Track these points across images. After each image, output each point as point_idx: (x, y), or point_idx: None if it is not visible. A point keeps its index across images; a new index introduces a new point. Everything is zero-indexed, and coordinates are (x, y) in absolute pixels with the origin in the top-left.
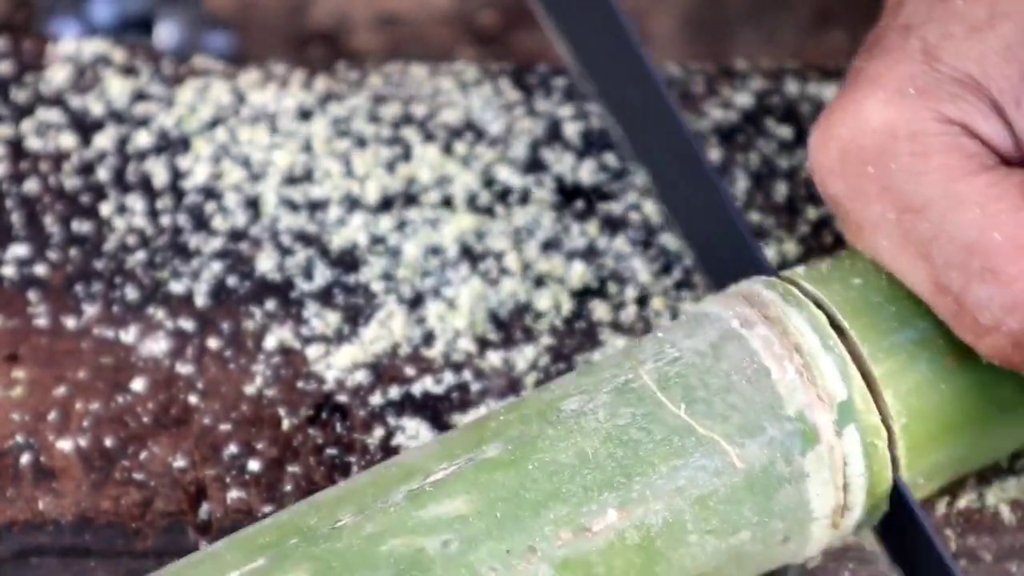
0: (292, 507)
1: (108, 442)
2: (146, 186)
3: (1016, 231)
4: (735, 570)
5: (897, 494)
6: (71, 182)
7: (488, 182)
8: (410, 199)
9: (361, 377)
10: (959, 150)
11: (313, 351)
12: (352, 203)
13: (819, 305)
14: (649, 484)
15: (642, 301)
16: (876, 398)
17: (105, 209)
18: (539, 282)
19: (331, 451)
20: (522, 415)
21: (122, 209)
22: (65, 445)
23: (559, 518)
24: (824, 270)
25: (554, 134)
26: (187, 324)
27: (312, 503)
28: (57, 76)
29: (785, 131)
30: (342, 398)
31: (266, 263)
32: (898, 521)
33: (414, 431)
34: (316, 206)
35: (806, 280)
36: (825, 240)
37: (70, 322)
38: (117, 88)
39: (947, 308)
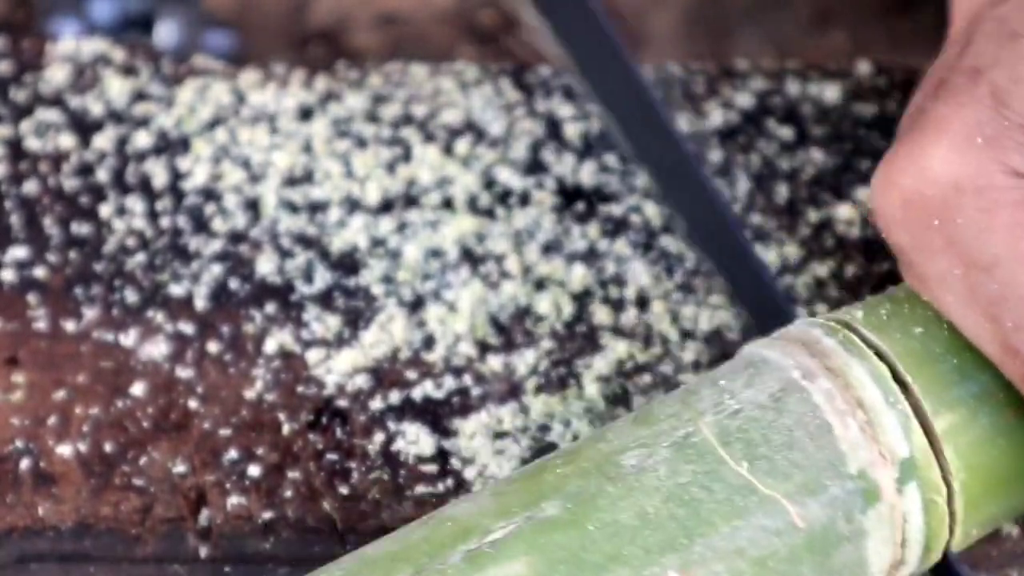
0: (343, 561)
1: (108, 447)
2: (146, 187)
3: None
4: None
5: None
6: (70, 183)
7: (488, 184)
8: (410, 201)
9: (361, 382)
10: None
11: (313, 355)
12: (352, 205)
13: (880, 355)
14: (710, 545)
15: (643, 304)
16: (936, 454)
17: (105, 211)
18: (540, 285)
19: (331, 456)
20: (580, 468)
21: (122, 211)
22: (65, 450)
23: None
24: (884, 316)
25: (554, 135)
26: (187, 327)
27: (364, 559)
28: (56, 76)
29: (786, 132)
30: (342, 403)
31: (266, 266)
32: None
33: (414, 436)
34: (316, 208)
35: (865, 327)
36: (826, 243)
37: (70, 325)
38: (117, 88)
39: (1016, 371)
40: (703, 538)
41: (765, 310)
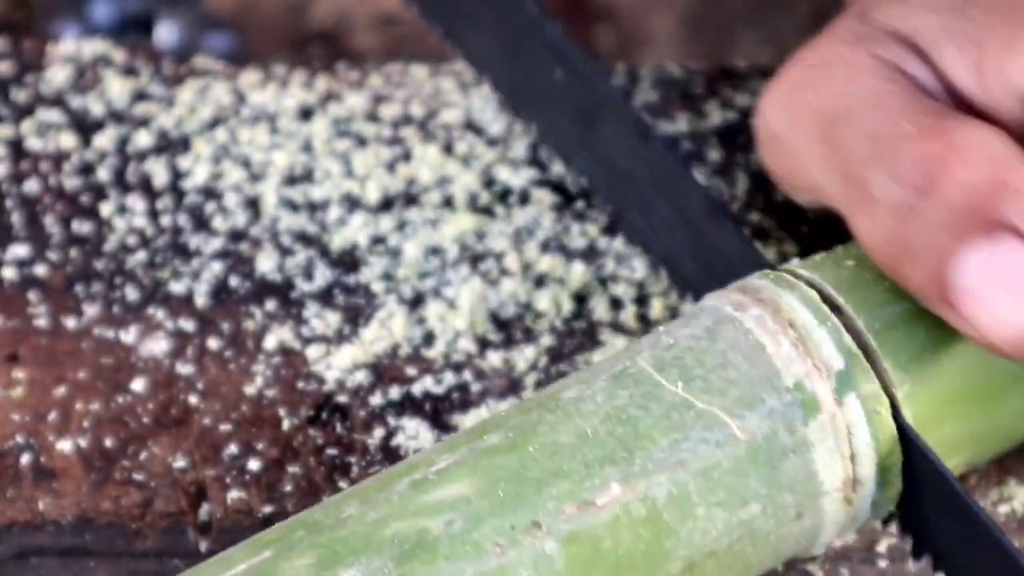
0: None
1: (108, 442)
2: (146, 186)
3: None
4: (750, 548)
5: (913, 462)
6: (71, 182)
7: (488, 182)
8: (410, 199)
9: (361, 377)
10: (890, 78)
11: (313, 351)
12: (352, 203)
13: (812, 285)
14: (651, 458)
15: (642, 301)
16: (876, 368)
17: (105, 209)
18: (539, 282)
19: (331, 451)
20: (522, 408)
21: (122, 209)
22: (65, 445)
23: (562, 494)
24: (817, 259)
25: None
26: (187, 324)
27: (320, 505)
28: (57, 76)
29: None
30: (342, 398)
31: (266, 263)
32: (923, 497)
33: (414, 431)
34: (316, 206)
35: (799, 267)
36: (825, 242)
37: (70, 322)
38: (117, 88)
39: (851, 195)
40: (643, 451)
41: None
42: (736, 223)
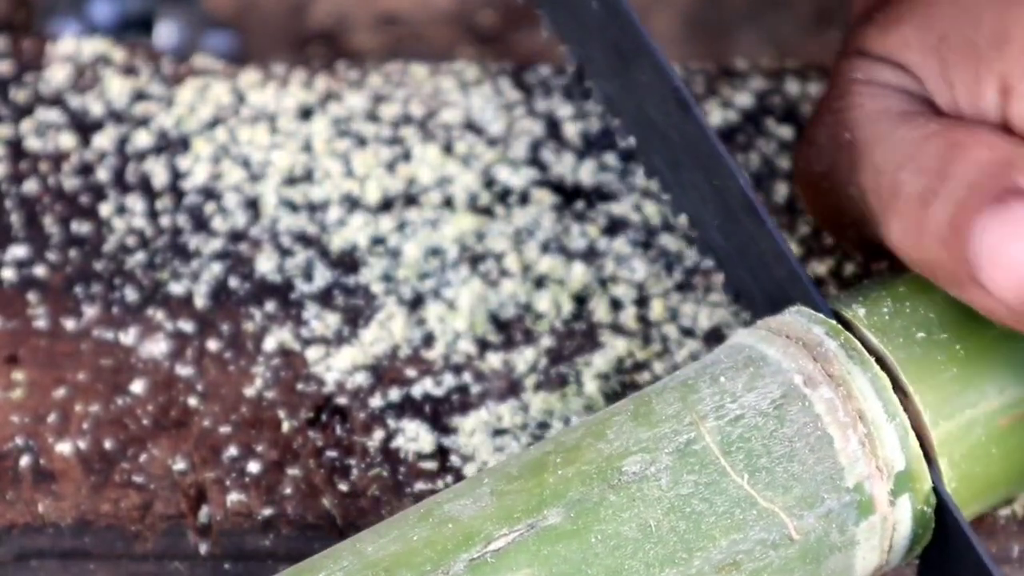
0: (342, 556)
1: (108, 444)
2: (146, 186)
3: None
4: None
5: (947, 536)
6: (71, 182)
7: (488, 182)
8: (410, 200)
9: (361, 379)
10: (913, 98)
11: (313, 353)
12: (352, 204)
13: (882, 362)
14: (708, 559)
15: (642, 302)
16: (930, 464)
17: (105, 210)
18: (539, 283)
19: (331, 453)
20: (582, 472)
21: (122, 210)
22: (65, 447)
23: None
24: (886, 315)
25: (554, 134)
26: (187, 326)
27: (364, 560)
28: (57, 76)
29: (785, 131)
30: (342, 400)
31: (266, 264)
32: (947, 557)
33: (414, 433)
34: (316, 207)
35: (868, 328)
36: (825, 241)
37: (70, 324)
38: (117, 88)
39: (883, 202)
40: (702, 552)
41: (785, 295)
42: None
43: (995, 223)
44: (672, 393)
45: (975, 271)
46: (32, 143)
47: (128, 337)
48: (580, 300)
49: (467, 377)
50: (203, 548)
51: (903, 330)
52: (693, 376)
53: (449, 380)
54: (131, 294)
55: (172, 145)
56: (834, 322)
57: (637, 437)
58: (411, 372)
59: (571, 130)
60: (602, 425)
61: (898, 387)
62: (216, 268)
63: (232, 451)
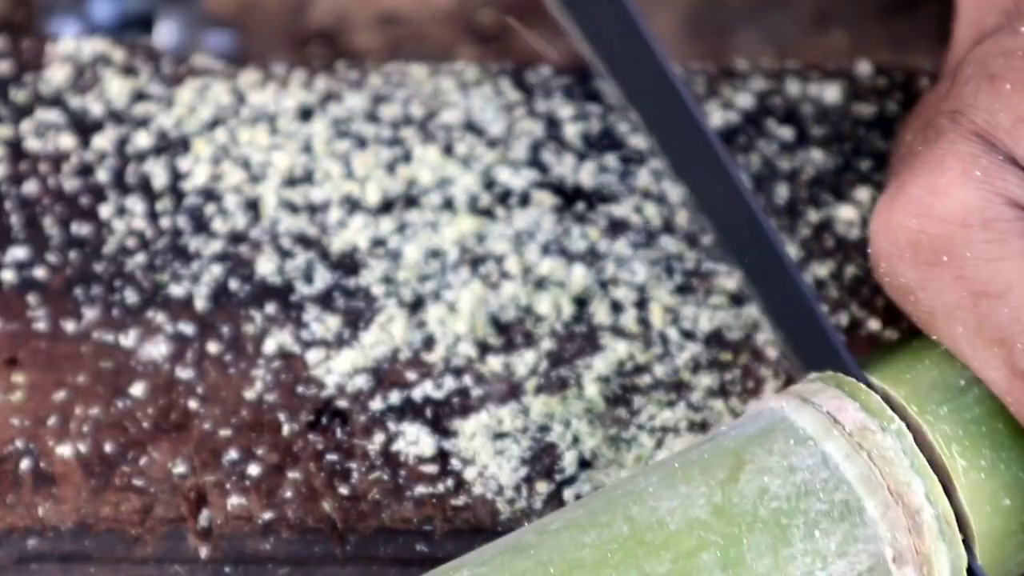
0: None
1: (108, 448)
2: (146, 188)
3: None
4: None
5: None
6: (70, 183)
7: (488, 184)
8: (410, 201)
9: (361, 382)
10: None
11: (313, 355)
12: (352, 205)
13: (964, 531)
14: None
15: (643, 304)
16: None
17: (105, 211)
18: (540, 285)
19: (331, 457)
20: None
21: (122, 211)
22: (65, 451)
23: None
24: (982, 471)
25: (554, 135)
26: (187, 328)
27: None
28: (56, 76)
29: (786, 132)
30: (342, 403)
31: (266, 266)
32: None
33: (414, 436)
34: (316, 208)
35: (962, 490)
36: (826, 243)
37: (69, 326)
38: (117, 88)
39: (1012, 385)
40: None
41: (808, 339)
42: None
43: None
44: (764, 535)
45: None
46: (32, 144)
47: (128, 339)
48: (581, 302)
49: (467, 380)
50: (203, 552)
51: (992, 496)
52: (787, 504)
53: (449, 383)
54: (131, 296)
55: (172, 146)
56: (937, 481)
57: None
58: (411, 375)
59: (572, 131)
60: (691, 562)
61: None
62: (216, 270)
63: (232, 454)
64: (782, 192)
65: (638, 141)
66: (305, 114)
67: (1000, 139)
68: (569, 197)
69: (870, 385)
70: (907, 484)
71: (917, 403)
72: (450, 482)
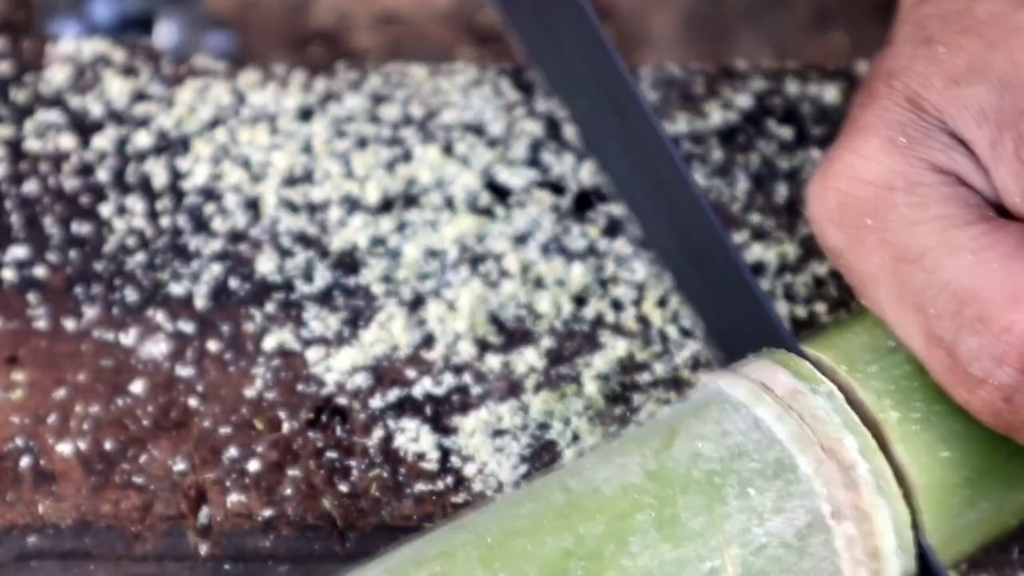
0: None
1: (108, 445)
2: (146, 187)
3: (1008, 280)
4: None
5: None
6: (71, 183)
7: (488, 183)
8: (410, 200)
9: (361, 380)
10: (957, 199)
11: (313, 354)
12: (352, 204)
13: (907, 495)
14: None
15: (642, 302)
16: None
17: (105, 210)
18: (539, 284)
19: (331, 454)
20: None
21: (122, 210)
22: (65, 448)
23: None
24: (916, 424)
25: (554, 135)
26: (187, 326)
27: None
28: (57, 76)
29: (785, 132)
30: (342, 401)
31: (266, 265)
32: None
33: (414, 434)
34: (316, 207)
35: (899, 442)
36: None
37: (70, 324)
38: (117, 88)
39: (939, 361)
40: None
41: (747, 318)
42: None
43: None
44: (698, 495)
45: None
46: (32, 144)
47: (128, 338)
48: (580, 301)
49: (467, 378)
50: (203, 549)
51: (928, 447)
52: (720, 468)
53: (449, 380)
54: (131, 295)
55: (172, 145)
56: (870, 436)
57: (662, 559)
58: (411, 373)
59: (571, 131)
60: (625, 523)
61: (915, 522)
62: (216, 269)
63: (232, 452)
64: (782, 191)
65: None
66: (305, 114)
67: (931, 103)
68: (568, 196)
69: (803, 355)
70: (839, 440)
71: (848, 364)
72: (450, 479)
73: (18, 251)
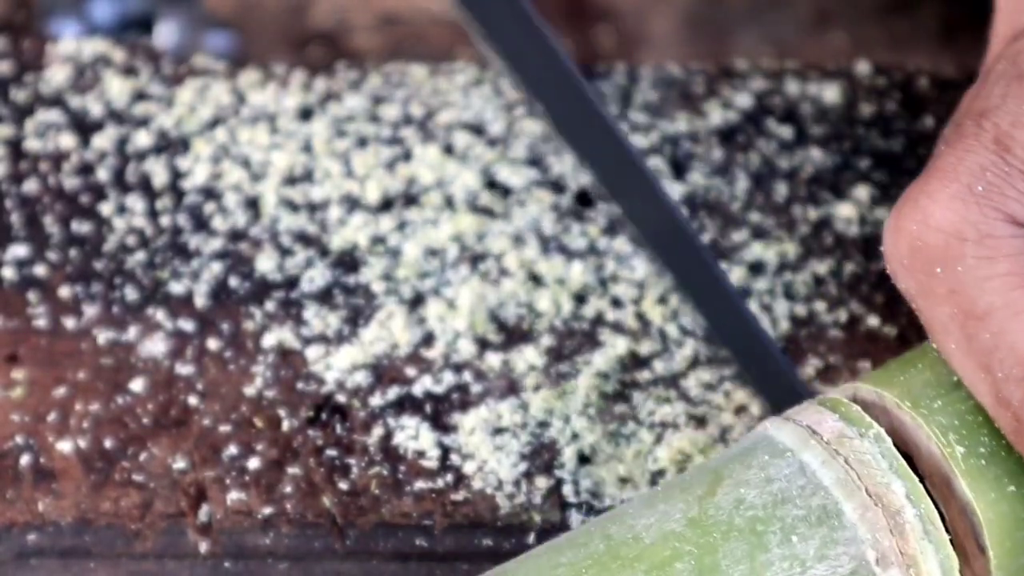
0: None
1: (108, 443)
2: (146, 186)
3: None
4: None
5: None
6: (71, 182)
7: (488, 182)
8: (410, 199)
9: (361, 378)
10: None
11: (313, 352)
12: (352, 203)
13: (969, 520)
14: None
15: (642, 301)
16: None
17: (105, 209)
18: (539, 282)
19: (331, 452)
20: None
21: (122, 209)
22: (65, 446)
23: None
24: (982, 457)
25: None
26: (187, 325)
27: None
28: (57, 76)
29: (785, 131)
30: (342, 399)
31: (266, 263)
32: None
33: (414, 431)
34: (316, 206)
35: (964, 476)
36: (825, 240)
37: (70, 323)
38: (117, 88)
39: (1008, 422)
40: None
41: (770, 383)
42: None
43: None
44: (740, 542)
45: None
46: (33, 143)
47: (128, 336)
48: (580, 299)
49: (467, 376)
50: (203, 547)
51: (996, 482)
52: (763, 512)
53: (449, 378)
54: (131, 293)
55: (172, 145)
56: (917, 481)
57: None
58: (411, 371)
59: None
60: (664, 572)
61: (979, 546)
62: (216, 267)
63: (232, 450)
64: (781, 190)
65: (637, 140)
66: (305, 114)
67: (1021, 144)
68: (568, 195)
69: (858, 394)
70: (886, 485)
71: (911, 400)
72: (450, 477)
73: (18, 250)
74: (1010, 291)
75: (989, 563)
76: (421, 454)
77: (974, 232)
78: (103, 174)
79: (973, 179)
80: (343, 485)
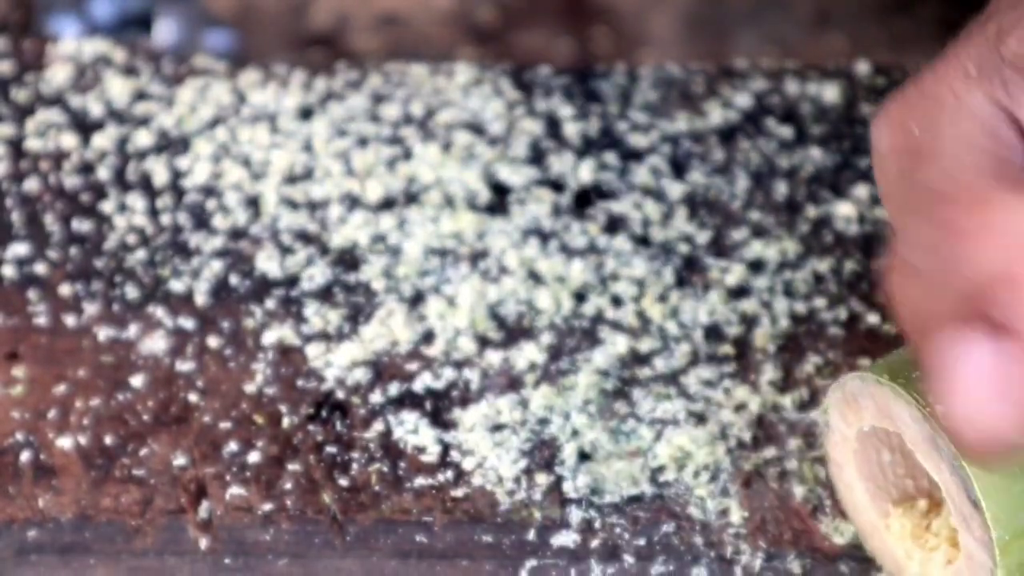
0: None
1: (108, 440)
2: (146, 185)
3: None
4: None
5: None
6: (71, 181)
7: (488, 181)
8: (410, 198)
9: (361, 375)
10: (990, 127)
11: (313, 349)
12: (352, 202)
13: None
14: None
15: (641, 299)
16: None
17: (105, 208)
18: (539, 280)
19: (331, 449)
20: None
21: (122, 208)
22: (65, 443)
23: None
24: None
25: (554, 133)
26: (187, 322)
27: None
28: (57, 76)
29: (785, 131)
30: (342, 396)
31: (266, 262)
32: None
33: (414, 428)
34: (316, 205)
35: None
36: (825, 239)
37: (70, 320)
38: (117, 88)
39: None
40: None
41: None
42: None
43: (963, 354)
44: None
45: (932, 380)
46: (33, 143)
47: (129, 334)
48: (580, 297)
49: (467, 373)
50: (203, 543)
51: None
52: None
53: (449, 375)
54: (132, 291)
55: (172, 145)
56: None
57: None
58: (411, 368)
59: (571, 129)
60: None
61: None
62: (216, 265)
63: (232, 446)
64: (781, 189)
65: (637, 140)
66: (305, 113)
67: (1016, 36)
68: (568, 194)
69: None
70: None
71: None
72: (450, 473)
73: (19, 248)
74: (958, 141)
75: (984, 515)
76: (421, 450)
77: (952, 97)
78: (104, 173)
79: (967, 63)
80: (343, 481)
